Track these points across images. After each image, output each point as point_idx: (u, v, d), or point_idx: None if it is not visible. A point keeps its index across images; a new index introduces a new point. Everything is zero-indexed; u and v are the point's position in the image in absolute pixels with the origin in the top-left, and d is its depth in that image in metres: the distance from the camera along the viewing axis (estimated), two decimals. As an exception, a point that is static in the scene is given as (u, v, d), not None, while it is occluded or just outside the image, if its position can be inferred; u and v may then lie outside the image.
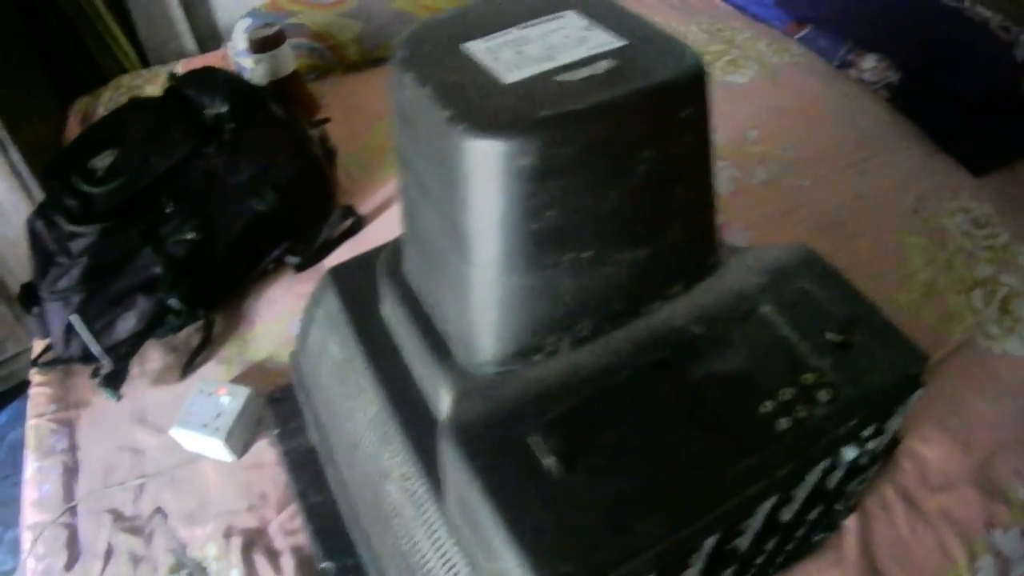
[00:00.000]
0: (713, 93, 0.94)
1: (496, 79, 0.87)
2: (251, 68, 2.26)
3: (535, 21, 0.97)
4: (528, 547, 0.82)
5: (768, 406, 0.96)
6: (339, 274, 1.30)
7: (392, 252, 1.18)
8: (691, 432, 0.94)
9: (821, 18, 2.74)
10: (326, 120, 2.16)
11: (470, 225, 0.88)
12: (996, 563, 1.47)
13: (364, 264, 1.28)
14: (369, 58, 2.59)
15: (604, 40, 0.92)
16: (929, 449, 1.56)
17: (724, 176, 2.14)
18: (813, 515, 1.16)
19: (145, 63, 2.91)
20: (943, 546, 1.46)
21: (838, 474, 1.08)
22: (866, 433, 1.01)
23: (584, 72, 0.87)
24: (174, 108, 1.97)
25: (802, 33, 2.78)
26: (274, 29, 2.23)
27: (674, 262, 1.04)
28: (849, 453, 1.00)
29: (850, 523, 1.45)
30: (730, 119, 2.34)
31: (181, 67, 2.31)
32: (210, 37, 3.04)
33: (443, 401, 0.99)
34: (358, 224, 2.02)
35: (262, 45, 2.21)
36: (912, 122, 2.40)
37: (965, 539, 1.47)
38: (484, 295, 0.93)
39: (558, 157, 0.83)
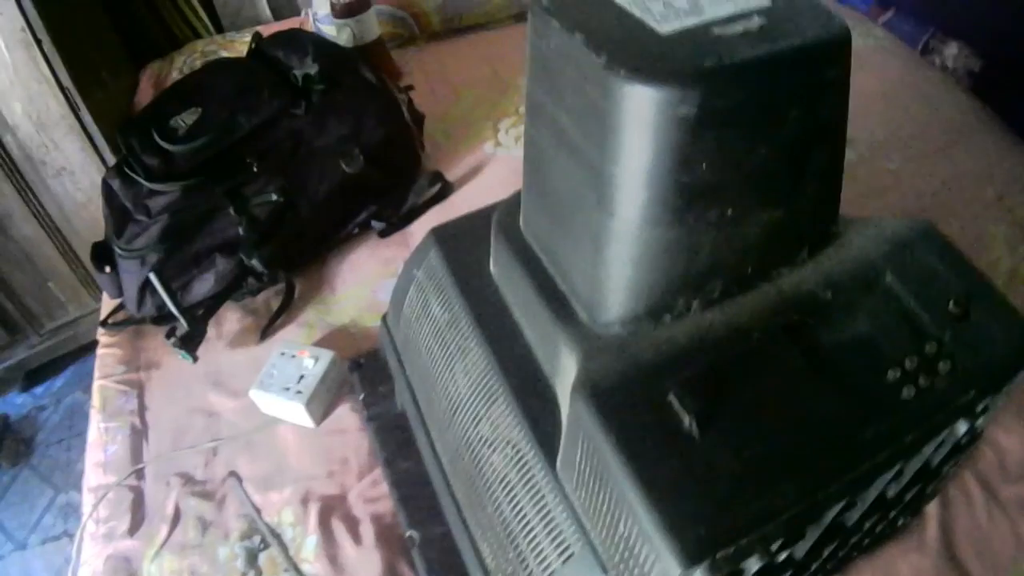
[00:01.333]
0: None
1: (651, 29, 0.85)
2: (334, 33, 2.24)
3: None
4: (665, 508, 0.80)
5: (894, 373, 0.95)
6: (442, 233, 1.28)
7: (507, 210, 1.16)
8: (822, 396, 0.92)
9: (904, 3, 2.72)
10: (411, 87, 2.15)
11: (617, 174, 0.86)
12: None
13: (468, 225, 1.27)
14: (451, 27, 2.60)
15: None
16: (1008, 439, 1.54)
17: (813, 156, 2.10)
18: (911, 494, 1.15)
19: (219, 29, 2.91)
20: (1018, 536, 1.44)
21: (944, 450, 1.06)
22: (979, 408, 0.99)
23: (738, 27, 0.85)
24: (260, 68, 1.96)
25: (886, 17, 2.75)
26: (362, -5, 2.21)
27: (805, 226, 1.02)
28: (962, 427, 0.99)
29: (932, 509, 1.44)
30: (817, 100, 2.30)
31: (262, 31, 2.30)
32: (284, 5, 3.03)
33: (566, 360, 0.97)
34: (446, 190, 2.01)
35: (347, 10, 2.20)
36: (993, 111, 2.37)
37: None
38: (622, 249, 0.91)
39: (716, 109, 0.81)
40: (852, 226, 1.10)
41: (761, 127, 0.87)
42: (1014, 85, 2.36)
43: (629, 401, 0.88)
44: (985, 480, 1.49)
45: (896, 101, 2.37)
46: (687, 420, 0.85)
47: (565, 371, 0.98)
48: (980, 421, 1.05)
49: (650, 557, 0.81)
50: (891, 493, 1.06)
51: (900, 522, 1.37)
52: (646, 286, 0.94)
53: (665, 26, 0.86)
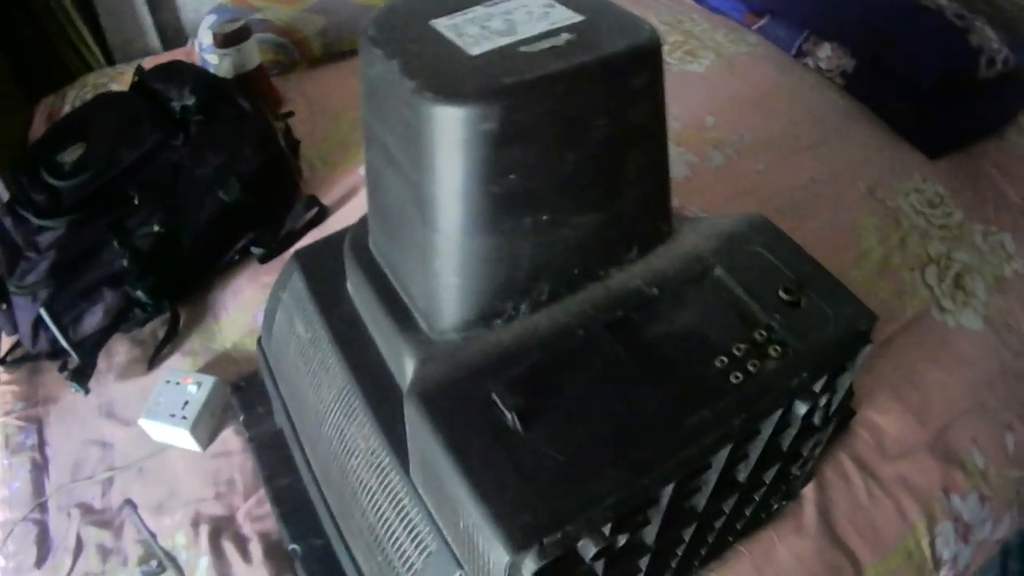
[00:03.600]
0: (670, 80, 0.99)
1: (461, 51, 0.91)
2: (216, 63, 2.26)
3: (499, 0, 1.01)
4: (491, 500, 0.84)
5: (721, 361, 1.01)
6: (304, 256, 1.32)
7: (357, 229, 1.21)
8: (647, 388, 0.97)
9: (778, 9, 2.80)
10: (290, 114, 2.18)
11: (434, 190, 0.91)
12: (956, 527, 1.53)
13: (328, 246, 1.31)
14: (332, 52, 2.61)
15: (564, 15, 0.97)
16: (885, 419, 1.61)
17: (680, 161, 2.18)
18: (769, 476, 1.19)
19: (111, 61, 2.90)
20: (901, 512, 1.51)
21: (792, 431, 1.11)
22: (817, 388, 1.05)
23: (544, 44, 0.91)
24: (141, 101, 1.97)
25: (759, 24, 2.83)
26: (239, 23, 2.23)
27: (629, 227, 1.07)
28: (801, 408, 1.03)
29: (808, 492, 1.49)
30: (687, 107, 2.38)
31: (147, 65, 2.31)
32: (175, 35, 3.03)
33: (407, 368, 1.01)
34: (322, 214, 2.03)
35: (228, 40, 2.22)
36: (866, 108, 2.47)
37: (924, 505, 1.52)
38: (447, 260, 0.96)
39: (519, 122, 0.87)
40: (687, 224, 1.16)
41: (567, 136, 0.92)
42: (886, 83, 2.46)
43: (456, 402, 0.92)
44: (862, 461, 1.55)
45: (768, 105, 2.45)
46: (510, 417, 0.90)
47: (407, 377, 1.02)
48: (823, 400, 1.11)
49: (486, 547, 0.85)
50: (742, 476, 1.11)
51: (775, 507, 1.43)
52: (474, 293, 0.98)
53: (474, 49, 0.91)
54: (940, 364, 1.74)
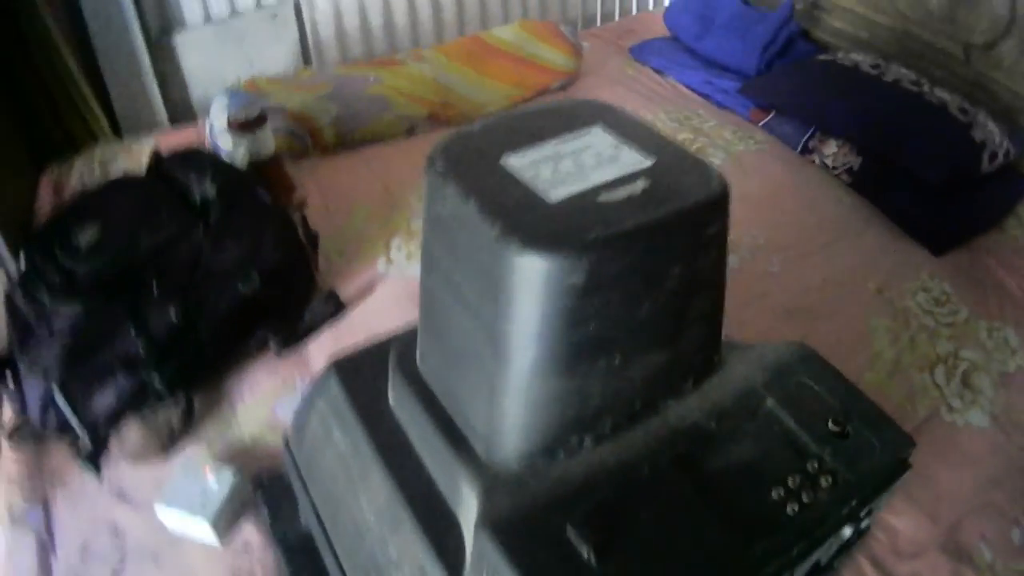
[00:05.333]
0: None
1: (539, 196, 0.92)
2: (231, 148, 2.27)
3: (565, 136, 1.03)
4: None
5: (778, 493, 1.03)
6: (343, 366, 1.32)
7: (404, 347, 1.21)
8: (710, 522, 0.99)
9: (783, 105, 2.83)
10: (303, 203, 2.19)
11: (511, 331, 0.92)
12: None
13: (366, 357, 1.31)
14: (345, 141, 2.63)
15: (634, 159, 0.99)
16: (899, 520, 1.62)
17: (697, 264, 2.18)
18: None
19: (117, 132, 2.91)
20: None
21: (831, 552, 1.14)
22: (862, 513, 1.08)
23: (622, 193, 0.93)
24: (161, 187, 1.98)
25: (765, 120, 2.87)
26: (256, 110, 2.25)
27: (689, 362, 1.10)
28: (847, 531, 1.07)
29: None
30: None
31: (155, 141, 2.31)
32: (183, 111, 3.05)
33: (466, 493, 1.02)
34: (340, 310, 2.03)
35: (244, 126, 2.23)
36: (873, 205, 2.49)
37: None
38: (517, 396, 0.97)
39: (603, 275, 0.89)
40: (734, 353, 1.19)
41: (646, 286, 0.94)
42: (892, 180, 2.49)
43: (531, 536, 0.94)
44: (878, 561, 1.56)
45: (777, 203, 2.48)
46: (585, 552, 0.91)
47: (465, 503, 1.03)
48: (864, 523, 1.13)
49: None
50: None
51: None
52: (541, 427, 0.99)
53: (553, 193, 0.93)
54: (949, 463, 1.76)
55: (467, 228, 0.93)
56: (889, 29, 3.09)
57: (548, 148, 1.00)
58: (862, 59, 2.85)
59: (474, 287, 0.96)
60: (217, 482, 1.57)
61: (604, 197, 0.92)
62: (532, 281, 0.87)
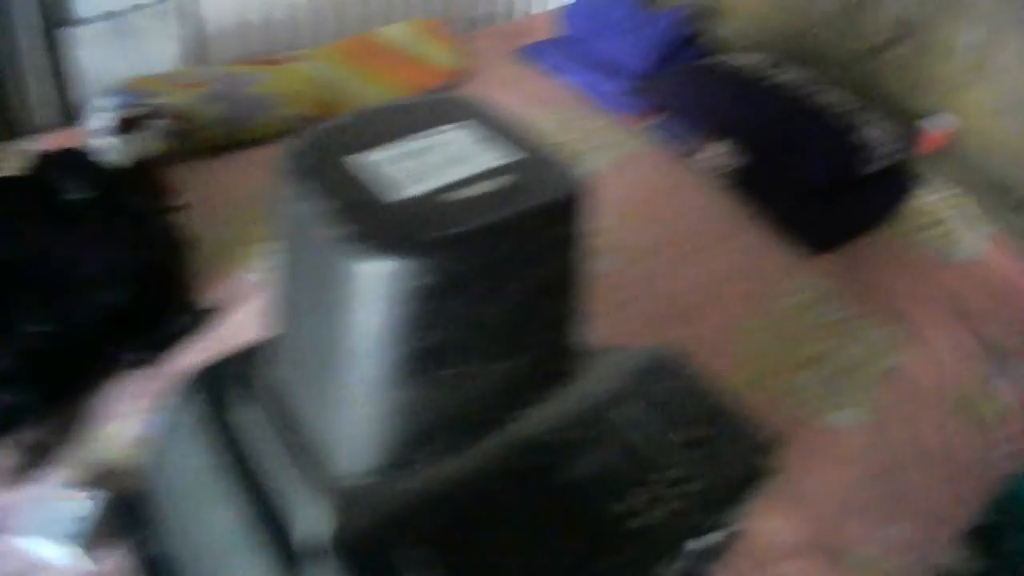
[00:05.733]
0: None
1: (386, 196, 0.90)
2: (112, 148, 2.20)
3: (424, 133, 1.01)
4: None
5: (624, 506, 1.03)
6: (197, 378, 1.28)
7: (255, 358, 1.19)
8: (555, 536, 0.99)
9: (670, 107, 2.84)
10: (184, 206, 2.13)
11: (356, 340, 0.90)
12: None
13: (223, 368, 1.28)
14: (231, 141, 2.56)
15: (493, 157, 0.98)
16: (771, 521, 1.63)
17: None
18: None
19: (10, 133, 2.82)
20: None
21: (681, 565, 1.12)
22: (715, 523, 1.09)
23: (474, 191, 0.92)
24: (35, 191, 1.92)
25: (652, 122, 2.87)
26: (139, 109, 2.20)
27: (540, 372, 1.09)
28: (692, 545, 1.06)
29: None
30: (581, 209, 2.38)
31: (36, 143, 2.24)
32: (70, 111, 2.96)
33: (312, 512, 1.00)
34: (208, 322, 1.97)
35: (126, 125, 2.17)
36: (752, 208, 2.52)
37: None
38: (362, 409, 0.95)
39: (446, 277, 0.87)
40: (592, 360, 1.17)
41: (492, 289, 0.93)
42: (774, 182, 2.52)
43: (377, 555, 0.92)
44: (753, 564, 1.57)
45: (659, 205, 2.50)
46: (429, 569, 0.90)
47: (311, 521, 1.00)
48: (724, 532, 1.13)
49: None
50: None
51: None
52: (386, 440, 0.98)
53: (403, 192, 0.91)
54: (825, 463, 1.78)
55: (311, 231, 0.91)
56: (783, 31, 3.14)
57: (405, 145, 0.99)
58: (751, 61, 2.88)
59: (318, 293, 0.94)
60: (80, 505, 1.53)
61: (454, 195, 0.91)
62: (374, 285, 0.86)
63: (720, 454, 1.10)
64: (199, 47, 3.15)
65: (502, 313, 0.95)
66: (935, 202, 2.65)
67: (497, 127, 1.04)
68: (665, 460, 1.08)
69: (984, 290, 2.37)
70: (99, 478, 1.63)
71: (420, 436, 1.00)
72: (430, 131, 1.02)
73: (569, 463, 1.06)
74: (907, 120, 2.71)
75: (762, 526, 1.62)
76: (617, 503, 1.03)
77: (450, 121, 1.04)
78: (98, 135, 2.29)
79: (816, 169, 2.43)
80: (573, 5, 3.41)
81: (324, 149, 0.98)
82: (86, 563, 1.48)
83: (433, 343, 0.91)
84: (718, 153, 2.63)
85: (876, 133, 2.53)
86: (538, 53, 3.27)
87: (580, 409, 1.12)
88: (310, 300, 0.96)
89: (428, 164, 0.96)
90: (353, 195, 0.91)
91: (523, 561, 0.95)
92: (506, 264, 0.93)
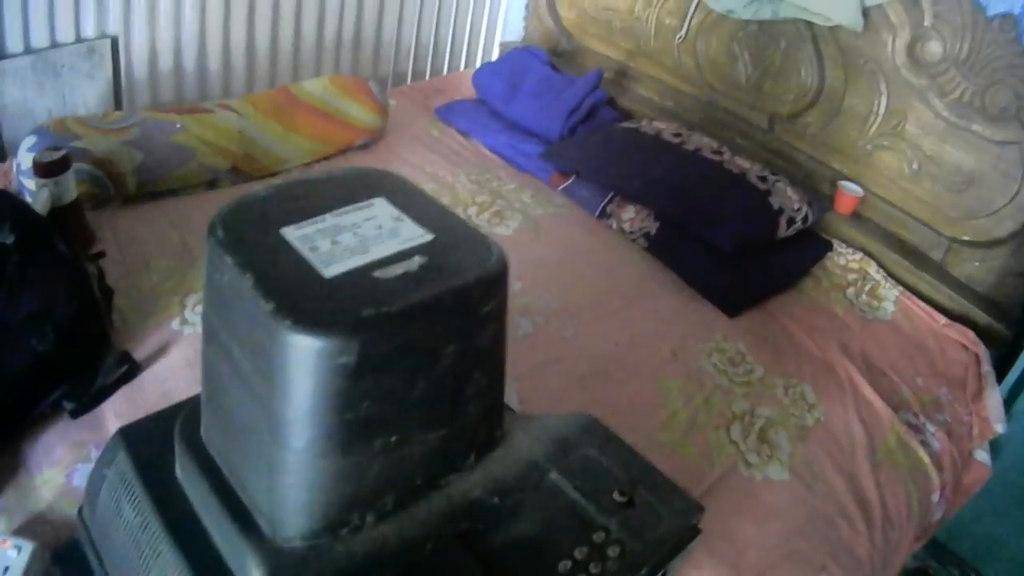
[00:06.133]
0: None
1: (315, 271, 0.93)
2: (34, 190, 2.18)
3: (347, 208, 1.05)
4: None
5: (565, 566, 1.06)
6: (130, 434, 1.29)
7: (189, 417, 1.19)
8: None
9: (583, 170, 2.90)
10: (102, 254, 2.12)
11: (285, 412, 0.92)
12: None
13: (155, 424, 1.28)
14: (147, 191, 2.56)
15: (414, 233, 1.01)
16: (702, 573, 1.66)
17: (488, 329, 2.19)
18: None
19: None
20: None
21: None
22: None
23: (398, 269, 0.95)
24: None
25: (565, 184, 2.92)
26: (60, 153, 2.18)
27: (470, 438, 1.12)
28: None
29: None
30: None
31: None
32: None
33: (253, 573, 1.01)
34: (134, 370, 1.96)
35: (48, 170, 2.15)
36: (669, 269, 2.58)
37: None
38: (294, 476, 0.97)
39: (375, 354, 0.90)
40: (517, 424, 1.21)
41: (421, 364, 0.96)
42: (688, 245, 2.58)
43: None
44: None
45: (573, 268, 2.53)
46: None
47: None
48: None
49: None
50: None
51: None
52: (321, 506, 0.99)
53: (330, 269, 0.94)
54: (751, 517, 1.81)
55: (243, 302, 0.93)
56: (695, 98, 3.25)
57: (329, 220, 1.02)
58: (665, 127, 2.96)
59: (250, 363, 0.95)
60: (17, 556, 1.51)
61: (380, 273, 0.94)
62: (304, 360, 0.87)
63: (655, 512, 1.14)
64: (120, 89, 3.14)
65: (430, 387, 0.98)
66: (846, 263, 2.74)
67: (418, 202, 1.08)
68: (605, 519, 1.11)
69: (895, 348, 2.46)
70: (31, 527, 1.61)
71: (354, 502, 1.01)
72: (353, 206, 1.06)
73: (508, 523, 1.10)
74: (821, 184, 2.85)
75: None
76: (561, 562, 1.06)
77: (372, 195, 1.08)
78: (22, 175, 2.27)
79: (730, 236, 2.50)
80: (481, 71, 3.47)
81: (253, 219, 1.01)
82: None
83: (363, 416, 0.94)
84: (632, 216, 2.70)
85: (790, 197, 2.63)
86: (454, 113, 3.31)
87: (516, 470, 1.15)
88: (244, 370, 0.97)
89: (355, 239, 0.99)
90: (284, 268, 0.94)
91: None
92: (433, 341, 0.96)
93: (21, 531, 1.60)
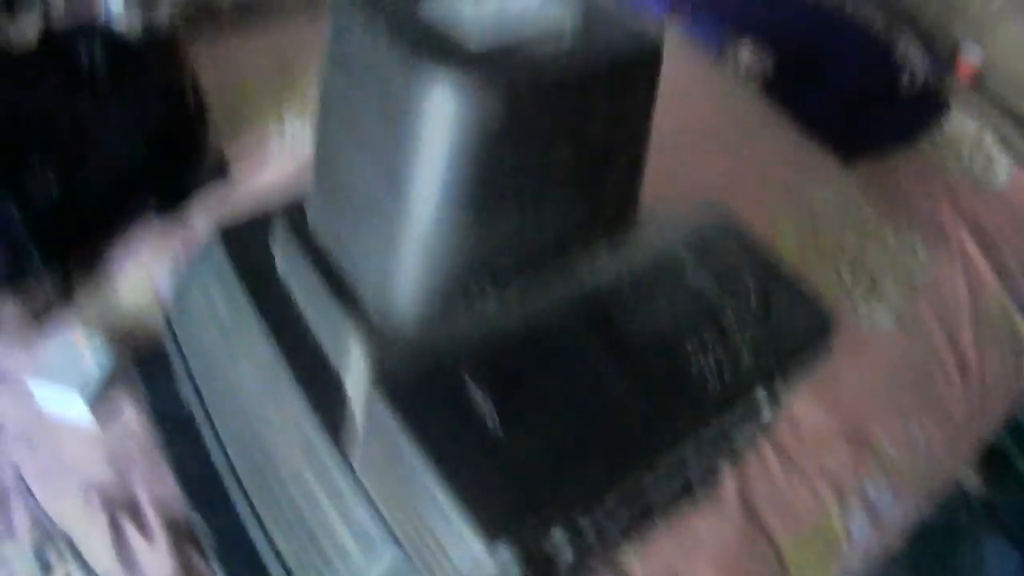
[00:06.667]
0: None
1: (459, 36, 0.85)
2: (125, 16, 2.14)
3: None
4: (472, 506, 0.81)
5: (697, 365, 1.00)
6: (227, 231, 1.23)
7: (295, 209, 1.13)
8: (625, 388, 0.96)
9: (701, 6, 2.78)
10: (196, 76, 2.08)
11: (415, 174, 0.86)
12: (867, 512, 1.61)
13: (252, 223, 1.23)
14: (243, 14, 2.50)
15: (563, 9, 0.92)
16: (802, 409, 1.65)
17: (604, 153, 2.14)
18: (712, 466, 1.23)
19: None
20: (817, 495, 1.57)
21: (746, 428, 1.13)
22: (779, 387, 1.06)
23: (549, 42, 0.87)
24: (46, 57, 1.86)
25: (681, 20, 2.80)
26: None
27: (604, 217, 1.05)
28: (765, 410, 1.06)
29: (728, 475, 1.53)
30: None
31: (53, 11, 2.17)
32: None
33: (357, 356, 0.96)
34: (227, 175, 1.95)
35: (143, -7, 2.10)
36: (786, 110, 2.48)
37: (838, 490, 1.59)
38: (417, 245, 0.91)
39: (520, 120, 0.83)
40: (650, 214, 1.14)
41: (564, 137, 0.89)
42: (807, 87, 2.47)
43: (428, 397, 0.88)
44: (781, 448, 1.60)
45: (687, 104, 2.39)
46: (489, 417, 0.86)
47: (356, 366, 0.97)
48: (781, 404, 1.12)
49: (454, 541, 0.83)
50: (694, 470, 1.12)
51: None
52: (441, 281, 0.94)
53: (475, 35, 0.85)
54: (854, 361, 1.78)
55: (376, 61, 0.86)
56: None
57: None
58: (790, -29, 2.82)
59: (379, 127, 0.89)
60: (93, 358, 1.49)
61: (529, 45, 0.86)
62: (443, 116, 0.81)
63: (789, 318, 1.09)
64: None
65: (571, 158, 0.92)
66: (963, 129, 2.62)
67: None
68: (740, 321, 1.06)
69: (1005, 218, 2.38)
70: (112, 332, 1.59)
71: (477, 277, 0.96)
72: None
73: (640, 312, 1.04)
74: (942, 47, 2.71)
75: (796, 414, 1.65)
76: (694, 360, 1.00)
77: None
78: (112, 4, 2.23)
79: (850, 80, 2.41)
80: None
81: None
82: (93, 417, 1.44)
83: (498, 182, 0.88)
84: (751, 55, 2.58)
85: (913, 54, 2.51)
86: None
87: (650, 258, 1.09)
88: (369, 135, 0.91)
89: (498, 10, 0.90)
90: (425, 29, 0.86)
91: (590, 413, 0.93)
92: (579, 116, 0.89)
93: (106, 335, 1.59)
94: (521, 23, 0.89)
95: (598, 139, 0.92)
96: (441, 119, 0.81)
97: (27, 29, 2.08)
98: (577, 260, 1.04)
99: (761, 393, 1.02)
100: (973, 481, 2.55)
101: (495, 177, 0.86)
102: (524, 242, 0.96)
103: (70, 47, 1.85)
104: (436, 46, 0.83)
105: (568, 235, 1.01)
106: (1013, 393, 2.05)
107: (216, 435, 1.27)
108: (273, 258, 1.16)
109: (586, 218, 1.01)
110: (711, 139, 2.29)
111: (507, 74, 0.82)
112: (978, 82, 2.70)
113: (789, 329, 1.07)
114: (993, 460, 2.57)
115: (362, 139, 0.92)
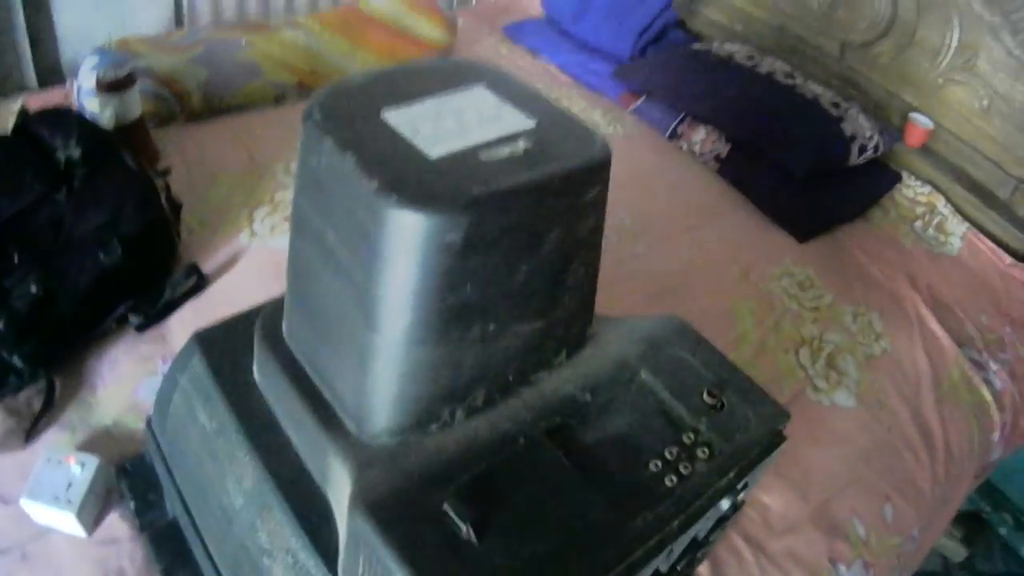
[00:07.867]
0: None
1: (419, 152, 0.89)
2: (97, 109, 2.16)
3: (447, 93, 1.00)
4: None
5: (656, 465, 1.03)
6: (205, 340, 1.25)
7: (269, 318, 1.16)
8: (589, 495, 0.98)
9: (654, 90, 2.84)
10: (168, 171, 2.09)
11: (384, 296, 0.89)
12: None
13: (230, 330, 1.26)
14: (213, 107, 2.53)
15: (516, 120, 0.96)
16: (770, 497, 1.66)
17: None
18: (683, 564, 1.21)
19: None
20: None
21: (710, 524, 1.14)
22: (739, 485, 1.09)
23: (504, 151, 0.90)
24: (24, 148, 1.87)
25: (636, 105, 2.88)
26: (125, 71, 2.15)
27: (563, 332, 1.08)
28: (725, 504, 1.08)
29: (703, 570, 1.52)
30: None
31: (23, 101, 2.19)
32: (53, 71, 2.90)
33: (337, 471, 0.99)
34: (202, 283, 1.95)
35: (111, 86, 2.12)
36: (739, 192, 2.54)
37: (811, 574, 1.59)
38: (388, 365, 0.93)
39: (483, 234, 0.86)
40: (606, 325, 1.18)
41: (524, 247, 0.92)
42: (759, 168, 2.53)
43: (407, 513, 0.91)
44: (751, 537, 1.60)
45: (644, 187, 2.49)
46: (464, 528, 0.89)
47: (337, 481, 0.99)
48: (742, 496, 1.15)
49: None
50: (664, 568, 1.12)
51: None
52: (412, 399, 0.97)
53: (435, 150, 0.89)
54: (818, 441, 1.80)
55: (343, 183, 0.89)
56: (766, 23, 3.16)
57: (430, 104, 0.97)
58: (737, 49, 2.89)
59: (347, 247, 0.92)
60: (81, 472, 1.49)
61: (485, 155, 0.90)
62: (409, 238, 0.84)
63: (743, 416, 1.11)
64: (181, 9, 3.11)
65: (531, 273, 0.95)
66: (915, 196, 2.69)
67: (517, 91, 1.03)
68: (695, 420, 1.09)
69: (961, 284, 2.42)
70: (96, 442, 1.60)
71: (446, 395, 0.99)
72: (452, 91, 1.01)
73: (599, 421, 1.07)
74: (891, 115, 2.77)
75: (764, 500, 1.65)
76: (651, 461, 1.03)
77: (471, 83, 1.03)
78: (84, 95, 2.25)
79: (802, 160, 2.45)
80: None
81: (354, 103, 0.96)
82: (84, 529, 1.45)
83: (464, 301, 0.90)
84: (703, 138, 2.65)
85: (862, 125, 2.56)
86: (522, 32, 3.27)
87: (606, 368, 1.12)
88: (340, 256, 0.94)
89: (457, 123, 0.94)
90: (387, 148, 0.89)
91: (557, 519, 0.95)
92: (538, 224, 0.92)
93: (86, 446, 1.59)
94: (479, 127, 0.94)
95: (555, 249, 0.95)
96: (406, 241, 0.84)
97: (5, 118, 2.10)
98: (538, 376, 1.08)
99: (719, 487, 1.05)
100: (953, 550, 2.58)
101: (459, 297, 0.89)
102: (488, 362, 0.99)
103: (46, 137, 1.87)
104: (397, 164, 0.87)
105: (529, 353, 1.04)
106: (979, 459, 2.06)
107: (203, 543, 1.28)
108: (250, 365, 1.19)
109: (545, 336, 1.04)
110: (670, 225, 2.34)
111: (464, 188, 0.85)
112: (929, 148, 2.76)
113: (744, 426, 1.10)
114: (972, 526, 2.60)
115: (332, 258, 0.95)
